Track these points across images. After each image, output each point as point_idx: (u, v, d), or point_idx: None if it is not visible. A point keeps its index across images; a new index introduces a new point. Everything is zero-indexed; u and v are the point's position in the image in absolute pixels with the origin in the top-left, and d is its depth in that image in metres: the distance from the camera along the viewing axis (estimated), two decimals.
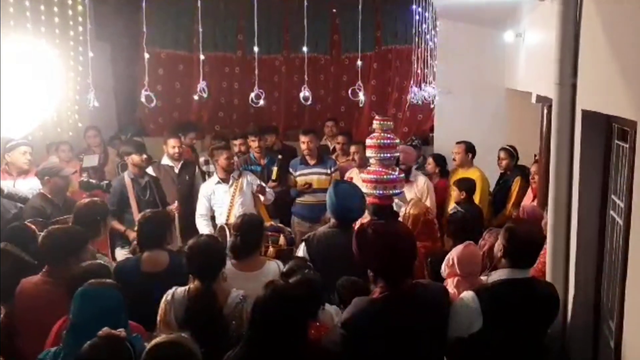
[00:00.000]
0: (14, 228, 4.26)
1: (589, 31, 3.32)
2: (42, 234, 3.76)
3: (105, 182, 5.91)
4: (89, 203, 4.52)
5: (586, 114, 3.33)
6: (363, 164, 5.98)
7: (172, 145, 6.71)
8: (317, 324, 3.20)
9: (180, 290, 3.43)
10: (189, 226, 5.99)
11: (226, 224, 4.94)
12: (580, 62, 3.44)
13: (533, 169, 6.05)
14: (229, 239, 4.46)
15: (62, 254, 3.61)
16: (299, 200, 6.68)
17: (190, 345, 2.47)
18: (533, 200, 5.76)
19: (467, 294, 2.99)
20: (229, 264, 3.95)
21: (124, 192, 5.82)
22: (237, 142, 7.09)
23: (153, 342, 2.46)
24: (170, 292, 3.43)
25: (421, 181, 6.12)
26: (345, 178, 6.31)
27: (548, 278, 3.56)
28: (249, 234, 3.99)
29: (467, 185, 5.84)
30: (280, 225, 5.28)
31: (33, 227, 4.30)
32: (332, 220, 4.39)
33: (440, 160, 6.98)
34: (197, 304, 3.33)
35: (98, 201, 4.67)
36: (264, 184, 6.27)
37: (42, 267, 3.75)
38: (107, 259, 4.22)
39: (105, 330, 2.51)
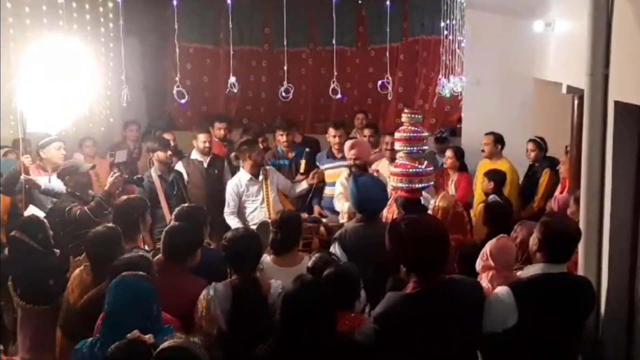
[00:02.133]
0: (24, 219, 4.53)
1: (621, 21, 3.28)
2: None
3: (138, 176, 5.99)
4: (126, 200, 4.55)
5: (618, 105, 3.29)
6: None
7: (202, 140, 6.77)
8: (352, 314, 3.22)
9: (220, 285, 3.46)
10: (216, 220, 5.96)
11: (270, 219, 4.95)
12: (613, 53, 3.39)
13: (563, 160, 6.00)
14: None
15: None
16: (328, 193, 6.65)
17: (196, 352, 2.47)
18: (562, 192, 5.71)
19: (502, 289, 2.98)
20: (268, 259, 4.01)
21: (153, 189, 5.90)
22: (259, 139, 7.11)
23: (161, 346, 2.48)
24: (210, 288, 3.44)
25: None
26: (371, 170, 6.30)
27: (580, 271, 3.54)
28: (289, 230, 4.05)
29: (497, 177, 5.82)
30: (316, 215, 5.33)
31: (43, 219, 4.58)
32: (357, 215, 4.42)
33: (460, 153, 6.94)
34: (244, 295, 3.37)
35: (135, 198, 4.70)
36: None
37: (49, 254, 4.17)
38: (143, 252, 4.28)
39: (134, 333, 2.56)
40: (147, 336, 2.59)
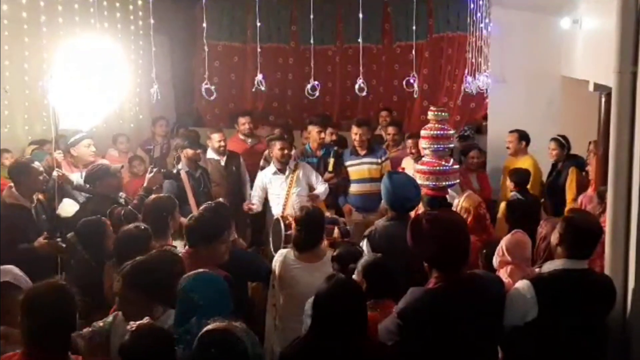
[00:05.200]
0: (84, 222, 4.36)
1: None
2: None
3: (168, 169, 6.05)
4: (155, 200, 4.59)
5: None
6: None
7: (217, 139, 6.79)
8: (384, 302, 3.24)
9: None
10: (238, 217, 5.92)
11: (282, 216, 4.99)
12: None
13: (591, 159, 5.97)
14: (283, 232, 4.53)
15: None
16: (352, 190, 6.69)
17: (239, 334, 2.47)
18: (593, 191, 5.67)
19: (523, 283, 3.00)
20: (292, 255, 4.05)
21: (181, 185, 5.95)
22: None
23: (205, 329, 2.50)
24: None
25: None
26: (399, 168, 6.33)
27: (607, 270, 3.52)
28: (312, 227, 4.07)
29: (518, 177, 5.77)
30: (335, 217, 5.35)
31: (107, 221, 4.44)
32: (389, 213, 4.41)
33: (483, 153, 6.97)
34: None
35: (164, 197, 4.71)
36: (315, 191, 6.29)
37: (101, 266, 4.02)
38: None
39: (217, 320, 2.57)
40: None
